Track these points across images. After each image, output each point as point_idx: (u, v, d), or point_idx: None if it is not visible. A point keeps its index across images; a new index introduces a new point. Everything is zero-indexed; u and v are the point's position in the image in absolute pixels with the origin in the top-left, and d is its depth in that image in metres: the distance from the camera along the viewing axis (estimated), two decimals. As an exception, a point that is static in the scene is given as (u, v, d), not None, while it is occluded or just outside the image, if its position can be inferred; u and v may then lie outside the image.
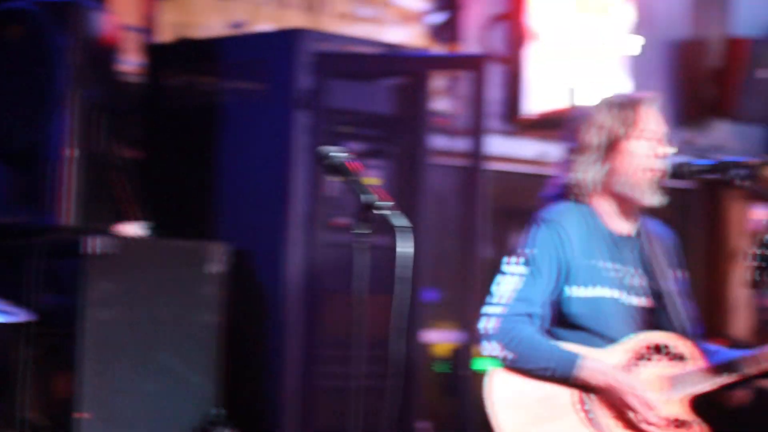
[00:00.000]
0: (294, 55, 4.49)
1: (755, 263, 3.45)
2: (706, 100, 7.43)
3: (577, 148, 3.63)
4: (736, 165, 3.62)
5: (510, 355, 3.43)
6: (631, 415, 3.41)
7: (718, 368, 3.52)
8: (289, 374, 4.37)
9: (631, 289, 3.59)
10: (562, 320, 3.53)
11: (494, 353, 3.46)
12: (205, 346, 4.38)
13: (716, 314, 7.51)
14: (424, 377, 4.60)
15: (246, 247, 4.55)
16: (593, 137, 3.61)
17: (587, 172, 3.60)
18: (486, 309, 3.49)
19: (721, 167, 3.63)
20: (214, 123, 4.78)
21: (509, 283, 3.50)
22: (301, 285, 4.41)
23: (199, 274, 4.40)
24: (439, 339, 4.65)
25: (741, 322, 7.58)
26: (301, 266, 4.41)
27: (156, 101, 4.99)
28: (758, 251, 3.44)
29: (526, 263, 3.50)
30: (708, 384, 3.51)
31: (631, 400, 3.40)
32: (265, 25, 5.47)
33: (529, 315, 3.47)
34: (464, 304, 4.53)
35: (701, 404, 3.57)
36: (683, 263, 3.73)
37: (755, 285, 3.46)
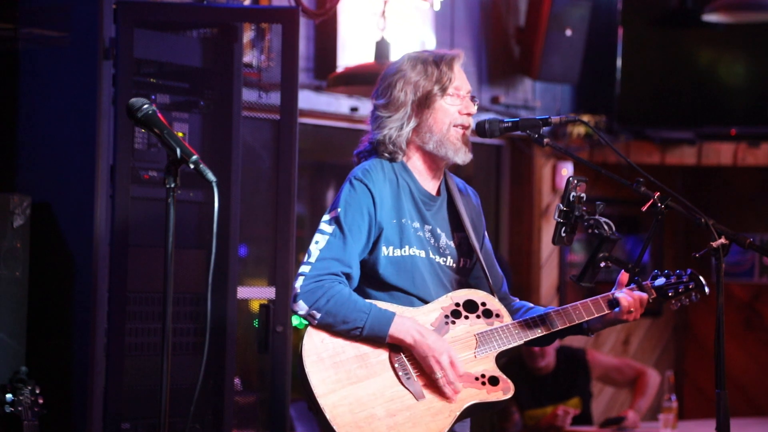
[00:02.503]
0: (96, 3, 4.36)
1: (559, 220, 3.54)
2: (512, 59, 7.57)
3: (386, 105, 3.65)
4: (540, 123, 3.69)
5: (317, 314, 3.44)
6: (433, 374, 3.48)
7: (525, 324, 3.62)
8: (97, 330, 4.29)
9: (440, 249, 3.64)
10: (374, 279, 3.56)
11: (300, 312, 3.46)
12: (11, 303, 4.26)
13: (526, 271, 7.70)
14: (240, 333, 4.58)
15: (52, 200, 4.43)
16: (404, 94, 3.63)
17: (396, 128, 3.63)
18: (299, 268, 3.50)
19: (525, 125, 3.70)
20: (14, 71, 4.62)
21: (320, 242, 3.51)
22: (109, 239, 4.32)
23: (1, 227, 4.26)
24: (255, 295, 4.63)
25: (550, 279, 7.79)
26: (110, 220, 4.32)
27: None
28: (562, 208, 3.53)
29: (337, 223, 3.51)
30: (516, 340, 3.60)
31: (432, 362, 3.46)
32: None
33: (340, 274, 3.48)
34: (276, 260, 4.51)
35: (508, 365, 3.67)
36: (485, 222, 3.82)
37: (560, 241, 3.56)
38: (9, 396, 3.90)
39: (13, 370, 3.97)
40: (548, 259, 7.79)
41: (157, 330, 4.36)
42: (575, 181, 3.51)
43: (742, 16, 7.42)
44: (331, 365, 3.43)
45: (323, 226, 3.53)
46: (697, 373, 8.65)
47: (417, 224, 3.60)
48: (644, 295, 3.61)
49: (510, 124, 3.70)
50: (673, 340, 8.75)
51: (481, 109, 6.92)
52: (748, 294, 8.52)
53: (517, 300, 3.79)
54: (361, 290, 3.54)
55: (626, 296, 3.59)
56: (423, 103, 3.61)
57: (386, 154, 3.63)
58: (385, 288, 3.55)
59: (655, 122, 8.00)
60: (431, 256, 3.61)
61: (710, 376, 4.82)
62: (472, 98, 3.68)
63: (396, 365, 3.48)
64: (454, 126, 3.63)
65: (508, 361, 4.78)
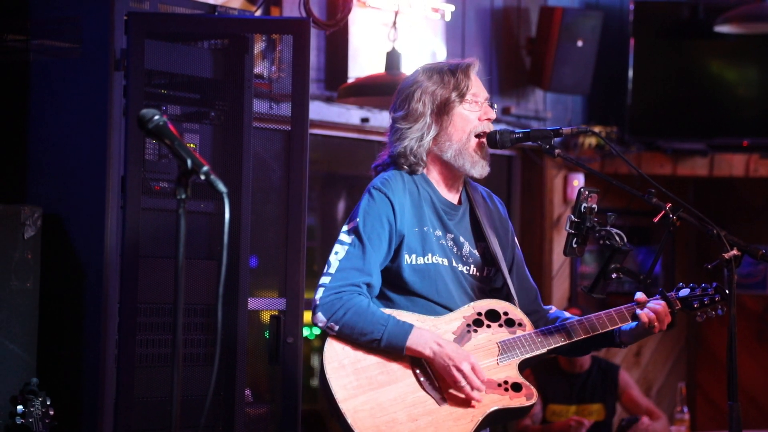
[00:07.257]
0: (107, 15, 4.36)
1: (571, 231, 3.53)
2: (523, 70, 7.57)
3: (405, 116, 3.65)
4: (552, 134, 3.69)
5: (336, 327, 3.44)
6: (457, 382, 3.47)
7: (548, 333, 3.62)
8: (108, 341, 4.28)
9: (463, 258, 3.64)
10: (397, 287, 3.56)
11: (320, 324, 3.47)
12: (22, 314, 4.25)
13: (538, 282, 7.68)
14: (251, 344, 4.57)
15: (63, 211, 4.43)
16: (422, 104, 3.63)
17: (416, 139, 3.63)
18: (320, 279, 3.51)
19: (536, 136, 3.70)
20: (25, 82, 4.62)
21: (340, 253, 3.52)
22: (119, 250, 4.31)
23: (12, 239, 4.26)
24: (265, 306, 4.62)
25: (561, 290, 7.77)
26: (120, 231, 4.32)
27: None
28: (574, 219, 3.52)
29: (356, 233, 3.52)
30: (539, 348, 3.61)
31: (454, 371, 3.46)
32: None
33: (360, 285, 3.49)
34: (286, 271, 4.51)
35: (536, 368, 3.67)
36: (513, 231, 3.81)
37: (571, 252, 3.55)
38: (20, 407, 3.89)
39: (23, 381, 3.96)
40: (559, 270, 7.76)
41: (167, 341, 4.35)
42: (586, 192, 3.51)
43: (754, 27, 7.41)
44: (352, 371, 3.43)
45: (342, 236, 3.54)
46: (709, 385, 8.62)
47: (439, 233, 3.60)
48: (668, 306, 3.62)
49: (521, 135, 3.70)
50: (685, 352, 8.72)
51: (492, 120, 6.90)
52: (760, 306, 8.48)
53: (554, 309, 3.80)
54: (382, 294, 3.54)
55: (648, 308, 3.60)
56: (442, 111, 3.62)
57: (406, 167, 3.63)
58: (408, 293, 3.55)
59: (667, 133, 7.98)
60: (454, 264, 3.61)
61: (722, 388, 4.81)
62: (491, 104, 3.68)
63: (417, 371, 3.49)
64: (475, 135, 3.63)
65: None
